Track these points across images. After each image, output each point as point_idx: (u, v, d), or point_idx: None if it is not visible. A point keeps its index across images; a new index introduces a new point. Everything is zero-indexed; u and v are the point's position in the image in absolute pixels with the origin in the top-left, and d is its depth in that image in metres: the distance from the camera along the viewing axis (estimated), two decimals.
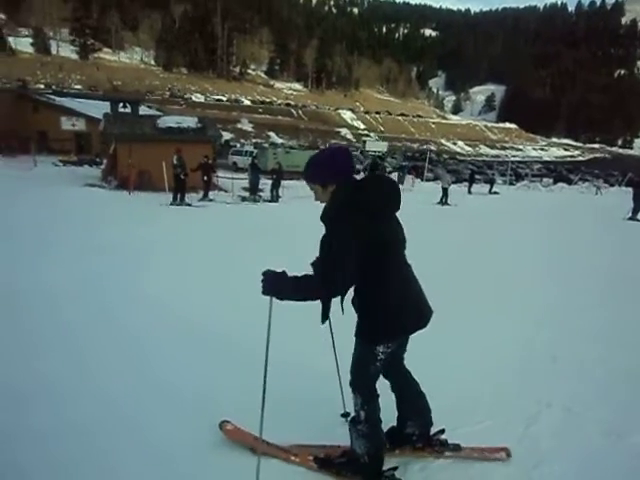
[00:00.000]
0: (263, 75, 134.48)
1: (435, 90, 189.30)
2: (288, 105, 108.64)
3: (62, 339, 4.24)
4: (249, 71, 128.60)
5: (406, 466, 2.71)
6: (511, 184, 39.15)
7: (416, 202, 20.59)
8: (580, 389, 3.66)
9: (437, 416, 3.19)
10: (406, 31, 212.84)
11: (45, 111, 33.53)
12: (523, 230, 12.59)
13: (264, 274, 2.27)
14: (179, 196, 15.38)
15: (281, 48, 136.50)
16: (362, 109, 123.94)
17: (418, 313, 2.44)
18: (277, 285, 2.24)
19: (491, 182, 30.92)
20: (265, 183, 19.96)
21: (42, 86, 72.92)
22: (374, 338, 2.38)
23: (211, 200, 16.84)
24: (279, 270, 2.29)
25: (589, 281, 7.17)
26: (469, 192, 27.46)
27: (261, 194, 19.16)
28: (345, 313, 2.49)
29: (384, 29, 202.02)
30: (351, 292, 2.42)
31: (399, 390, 2.71)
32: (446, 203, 19.96)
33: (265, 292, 2.26)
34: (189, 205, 15.19)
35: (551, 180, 41.90)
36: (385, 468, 2.55)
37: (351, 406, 2.57)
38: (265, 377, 2.40)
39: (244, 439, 2.79)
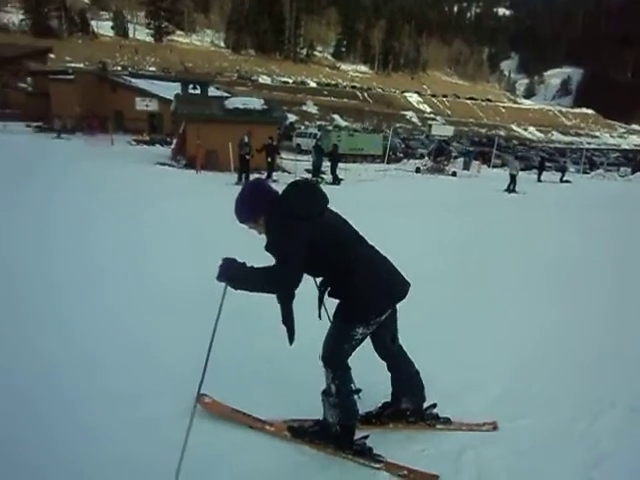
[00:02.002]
0: (329, 57, 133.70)
1: (507, 73, 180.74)
2: (353, 88, 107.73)
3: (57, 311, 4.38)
4: (315, 53, 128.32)
5: (460, 454, 2.71)
6: (585, 173, 37.17)
7: (482, 189, 20.03)
8: None
9: (494, 406, 3.14)
10: (479, 10, 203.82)
11: (122, 92, 35.20)
12: (596, 221, 11.89)
13: (223, 260, 2.44)
14: (243, 176, 15.74)
15: (348, 29, 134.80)
16: (429, 92, 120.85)
17: (387, 293, 2.55)
18: (230, 271, 2.40)
19: (562, 170, 29.47)
20: (327, 165, 20.02)
21: (119, 68, 76.26)
22: (350, 319, 2.52)
23: (275, 181, 17.06)
24: (240, 260, 2.45)
25: None
26: (539, 180, 26.37)
27: (323, 176, 19.23)
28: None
29: (455, 8, 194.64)
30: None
31: (395, 370, 2.86)
32: (513, 191, 19.27)
33: (219, 277, 2.42)
34: None
35: (629, 169, 39.30)
36: (357, 437, 2.63)
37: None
38: (205, 367, 2.43)
39: (222, 411, 2.91)
